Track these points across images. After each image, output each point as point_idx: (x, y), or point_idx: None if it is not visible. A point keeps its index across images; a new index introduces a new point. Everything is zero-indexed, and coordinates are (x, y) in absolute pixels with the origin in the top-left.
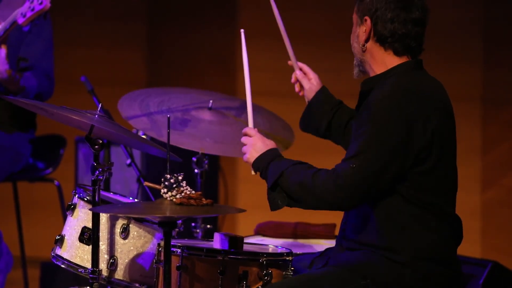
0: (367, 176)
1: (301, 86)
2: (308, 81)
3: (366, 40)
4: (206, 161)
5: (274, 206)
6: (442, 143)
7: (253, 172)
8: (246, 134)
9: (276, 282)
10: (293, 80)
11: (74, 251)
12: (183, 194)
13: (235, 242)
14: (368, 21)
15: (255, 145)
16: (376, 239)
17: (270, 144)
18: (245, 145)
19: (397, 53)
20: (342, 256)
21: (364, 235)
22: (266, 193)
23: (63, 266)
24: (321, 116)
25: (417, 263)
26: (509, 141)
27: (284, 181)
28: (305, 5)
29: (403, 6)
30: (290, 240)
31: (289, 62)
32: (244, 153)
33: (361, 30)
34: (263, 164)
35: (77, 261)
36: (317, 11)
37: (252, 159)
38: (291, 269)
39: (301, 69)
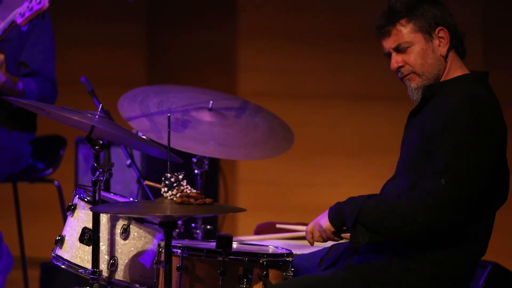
0: (461, 190)
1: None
2: None
3: (448, 50)
4: (206, 162)
5: (356, 244)
6: (504, 155)
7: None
8: (310, 232)
9: (278, 283)
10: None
11: (74, 252)
12: (183, 193)
13: (222, 241)
14: (445, 29)
15: (318, 220)
16: (396, 246)
17: (325, 212)
18: (315, 233)
19: (462, 57)
20: (353, 259)
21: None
22: (265, 193)
23: (63, 266)
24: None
25: (435, 277)
26: (508, 142)
27: (364, 216)
28: (307, 6)
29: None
30: (290, 241)
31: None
32: (324, 234)
33: (434, 44)
34: (336, 214)
35: (77, 261)
36: (319, 12)
37: (327, 224)
38: (291, 270)
39: None
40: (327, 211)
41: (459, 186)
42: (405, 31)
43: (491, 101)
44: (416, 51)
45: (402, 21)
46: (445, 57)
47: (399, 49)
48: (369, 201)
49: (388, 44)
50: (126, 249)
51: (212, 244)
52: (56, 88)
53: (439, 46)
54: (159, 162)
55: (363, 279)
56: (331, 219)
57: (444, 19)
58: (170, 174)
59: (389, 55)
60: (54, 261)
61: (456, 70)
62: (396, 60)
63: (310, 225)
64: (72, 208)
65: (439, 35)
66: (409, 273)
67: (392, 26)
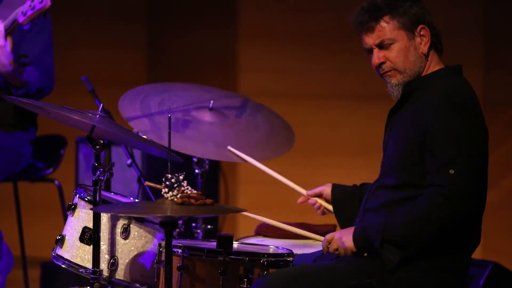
0: (471, 174)
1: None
2: (323, 189)
3: (430, 48)
4: (207, 162)
5: (389, 264)
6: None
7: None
8: (328, 241)
9: (280, 269)
10: (316, 206)
11: (74, 251)
12: (184, 193)
13: (223, 241)
14: (427, 28)
15: (341, 237)
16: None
17: (350, 228)
18: (336, 249)
19: (440, 54)
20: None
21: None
22: (266, 194)
23: (63, 266)
24: (350, 199)
25: (432, 270)
26: (509, 142)
27: (389, 234)
28: (307, 6)
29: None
30: (291, 241)
31: (300, 200)
32: (344, 250)
33: (416, 42)
34: (362, 238)
35: (77, 261)
36: (319, 12)
37: (351, 244)
38: None
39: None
40: (351, 230)
41: (467, 171)
42: (389, 28)
43: (471, 88)
44: (398, 48)
45: (385, 18)
46: (426, 55)
47: (381, 46)
48: (388, 217)
49: (371, 40)
50: (126, 249)
51: (213, 244)
52: (52, 79)
53: (421, 44)
54: (159, 161)
55: (364, 269)
56: (356, 242)
57: (424, 17)
58: (171, 175)
59: (369, 51)
60: (55, 261)
61: (434, 66)
62: (378, 56)
63: (330, 235)
64: (73, 208)
65: (421, 33)
66: (408, 263)
67: (375, 22)
